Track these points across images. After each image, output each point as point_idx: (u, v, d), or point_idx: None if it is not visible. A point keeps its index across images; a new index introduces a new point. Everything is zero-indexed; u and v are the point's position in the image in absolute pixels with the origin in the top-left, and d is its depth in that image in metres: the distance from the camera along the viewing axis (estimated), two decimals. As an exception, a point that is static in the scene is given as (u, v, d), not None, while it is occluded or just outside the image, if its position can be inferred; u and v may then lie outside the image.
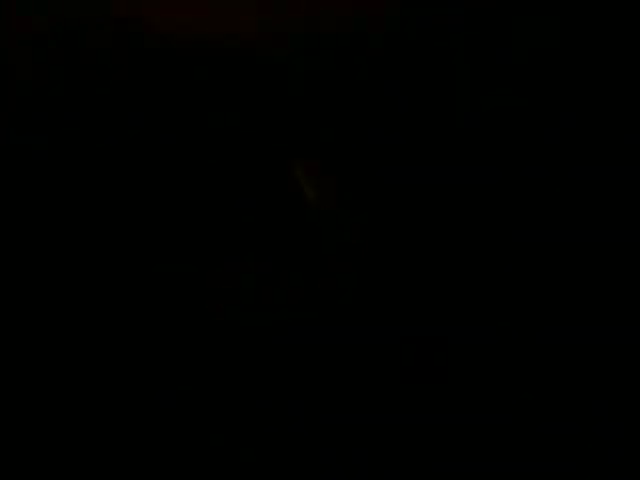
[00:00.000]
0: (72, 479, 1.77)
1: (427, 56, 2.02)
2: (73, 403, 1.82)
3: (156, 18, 1.96)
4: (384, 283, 1.92)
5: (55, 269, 1.91)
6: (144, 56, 1.94)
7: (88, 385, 1.83)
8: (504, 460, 1.78)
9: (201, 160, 1.99)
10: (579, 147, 1.97)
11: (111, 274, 1.91)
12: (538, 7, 2.01)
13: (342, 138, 2.00)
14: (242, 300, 1.90)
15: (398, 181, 1.98)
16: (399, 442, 1.80)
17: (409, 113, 2.01)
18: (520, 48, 2.01)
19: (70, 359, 1.85)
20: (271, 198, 1.97)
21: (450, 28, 2.02)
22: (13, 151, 1.96)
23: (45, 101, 1.94)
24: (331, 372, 1.85)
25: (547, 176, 1.96)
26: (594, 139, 1.97)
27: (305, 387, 1.85)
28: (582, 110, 1.98)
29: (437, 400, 1.83)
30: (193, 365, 1.86)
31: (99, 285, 1.91)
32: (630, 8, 1.99)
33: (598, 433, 1.79)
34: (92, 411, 1.82)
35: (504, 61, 2.01)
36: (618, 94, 1.98)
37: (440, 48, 2.02)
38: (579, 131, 1.98)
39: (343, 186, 1.97)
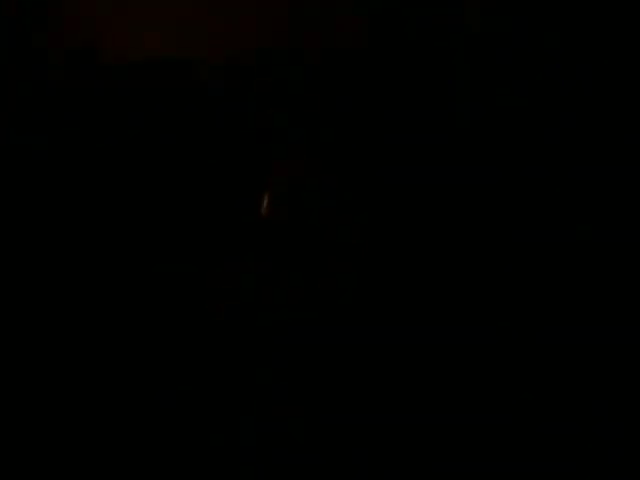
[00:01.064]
0: (72, 479, 1.77)
1: (427, 57, 2.02)
2: (73, 402, 1.82)
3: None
4: (384, 283, 1.92)
5: (55, 269, 1.91)
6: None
7: (88, 384, 1.83)
8: (504, 460, 1.78)
9: (201, 161, 1.99)
10: (579, 147, 1.97)
11: (111, 274, 1.91)
12: (537, 7, 2.01)
13: (342, 138, 2.00)
14: (242, 300, 1.90)
15: (398, 181, 1.98)
16: (399, 442, 1.80)
17: (409, 113, 2.01)
18: (519, 48, 2.01)
19: (70, 358, 1.85)
20: (271, 198, 1.97)
21: (450, 28, 2.02)
22: (13, 151, 1.96)
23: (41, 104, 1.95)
24: (331, 372, 1.85)
25: (547, 176, 1.96)
26: (594, 139, 1.97)
27: (305, 387, 1.85)
28: (582, 110, 1.98)
29: (437, 400, 1.83)
30: (193, 365, 1.86)
31: (99, 285, 1.91)
32: (630, 8, 1.99)
33: (598, 433, 1.79)
34: (92, 410, 1.82)
35: (504, 61, 2.01)
36: (618, 94, 1.98)
37: (440, 48, 2.02)
38: (579, 131, 1.98)
39: (343, 186, 1.97)
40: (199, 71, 1.97)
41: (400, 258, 1.93)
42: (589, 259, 1.91)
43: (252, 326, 1.89)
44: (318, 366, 1.86)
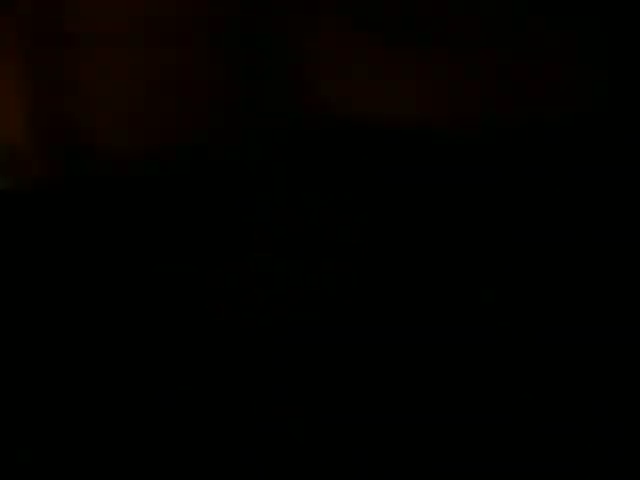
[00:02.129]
0: (72, 479, 1.77)
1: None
2: (72, 402, 1.83)
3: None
4: (384, 283, 1.92)
5: (54, 268, 1.91)
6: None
7: (88, 384, 1.84)
8: (504, 460, 1.79)
9: (200, 162, 2.00)
10: (579, 148, 1.97)
11: (111, 274, 1.92)
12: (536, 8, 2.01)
13: (342, 139, 2.00)
14: (242, 300, 1.91)
15: (398, 181, 1.98)
16: (399, 442, 1.80)
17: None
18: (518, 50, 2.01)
19: (69, 358, 1.86)
20: (271, 198, 1.98)
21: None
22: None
23: None
24: (331, 372, 1.86)
25: (547, 176, 1.96)
26: (594, 140, 1.97)
27: (305, 387, 1.85)
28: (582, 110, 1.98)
29: (437, 400, 1.84)
30: (193, 365, 1.86)
31: (99, 284, 1.91)
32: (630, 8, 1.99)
33: (598, 433, 1.79)
34: (92, 411, 1.82)
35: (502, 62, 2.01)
36: (618, 94, 1.98)
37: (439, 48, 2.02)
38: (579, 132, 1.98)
39: (343, 186, 1.98)
40: None
41: (400, 258, 1.94)
42: (589, 259, 1.91)
43: (252, 326, 1.89)
44: (318, 366, 1.86)
